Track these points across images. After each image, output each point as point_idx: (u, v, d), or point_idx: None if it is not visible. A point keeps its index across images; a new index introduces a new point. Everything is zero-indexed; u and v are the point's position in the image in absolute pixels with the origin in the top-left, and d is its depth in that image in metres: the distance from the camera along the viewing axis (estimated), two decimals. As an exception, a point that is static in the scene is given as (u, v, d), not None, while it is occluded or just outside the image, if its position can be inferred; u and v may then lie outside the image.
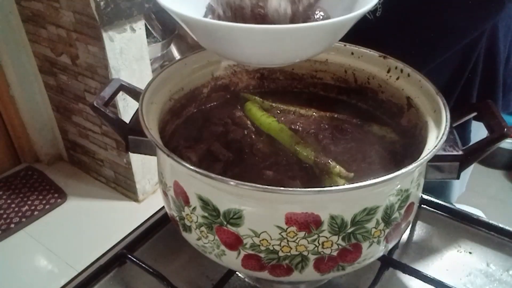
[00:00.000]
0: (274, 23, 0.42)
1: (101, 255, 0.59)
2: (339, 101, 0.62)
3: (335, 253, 0.42)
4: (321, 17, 0.45)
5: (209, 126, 0.57)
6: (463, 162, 0.46)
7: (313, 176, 0.49)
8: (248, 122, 0.57)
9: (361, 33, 0.58)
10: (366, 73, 0.58)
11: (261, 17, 0.41)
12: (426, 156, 0.40)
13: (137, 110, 0.47)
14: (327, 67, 0.61)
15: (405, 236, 0.63)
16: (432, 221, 0.65)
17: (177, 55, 2.18)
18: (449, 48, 0.68)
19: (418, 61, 0.55)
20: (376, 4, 0.67)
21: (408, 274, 0.55)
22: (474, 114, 0.51)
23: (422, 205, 0.67)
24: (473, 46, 0.69)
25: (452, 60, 0.69)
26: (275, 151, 0.53)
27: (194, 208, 0.43)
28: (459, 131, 0.50)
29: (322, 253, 0.41)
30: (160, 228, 0.64)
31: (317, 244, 0.41)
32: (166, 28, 1.96)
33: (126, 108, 1.64)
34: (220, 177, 0.38)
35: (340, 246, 0.41)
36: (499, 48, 0.72)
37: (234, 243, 0.42)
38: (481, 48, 0.71)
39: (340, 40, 0.59)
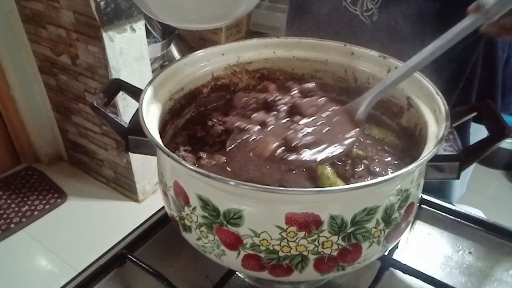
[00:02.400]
0: None
1: (101, 255, 0.59)
2: (339, 101, 0.62)
3: (335, 253, 0.42)
4: None
5: (209, 126, 0.57)
6: (463, 162, 0.46)
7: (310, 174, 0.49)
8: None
9: (358, 37, 0.58)
10: (366, 73, 0.58)
11: None
12: (426, 156, 0.40)
13: (137, 110, 0.47)
14: (327, 67, 0.61)
15: (405, 236, 0.63)
16: (432, 221, 0.65)
17: (177, 55, 2.18)
18: (444, 52, 0.68)
19: None
20: (372, 9, 0.67)
21: (408, 274, 0.55)
22: (474, 114, 0.51)
23: (422, 205, 0.67)
24: (471, 48, 0.69)
25: (451, 62, 0.69)
26: None
27: (194, 208, 0.43)
28: (459, 131, 0.50)
29: (322, 253, 0.41)
30: (160, 228, 0.64)
31: (317, 244, 0.41)
32: (166, 28, 1.96)
33: (126, 108, 1.64)
34: (220, 177, 0.38)
35: (340, 246, 0.41)
36: (497, 50, 0.72)
37: (234, 243, 0.42)
38: (480, 50, 0.71)
39: (340, 41, 0.60)
